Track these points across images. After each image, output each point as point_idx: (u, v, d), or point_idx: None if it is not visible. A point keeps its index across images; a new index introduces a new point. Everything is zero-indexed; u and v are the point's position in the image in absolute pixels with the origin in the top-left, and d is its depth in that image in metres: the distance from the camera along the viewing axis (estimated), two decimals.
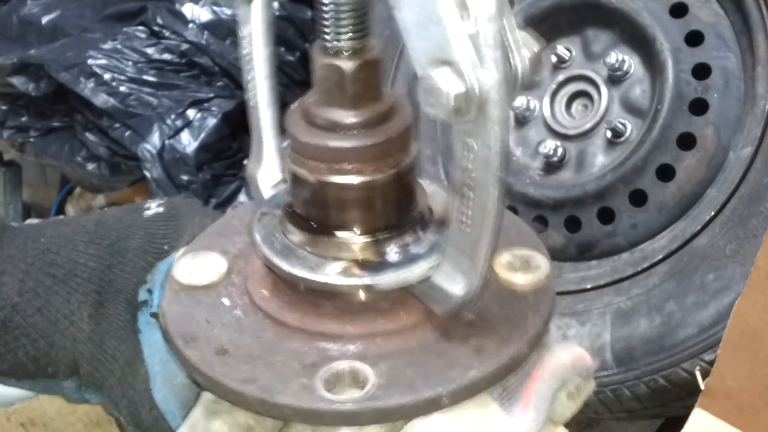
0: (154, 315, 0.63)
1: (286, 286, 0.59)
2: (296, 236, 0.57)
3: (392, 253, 0.56)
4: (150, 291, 0.64)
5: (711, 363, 1.10)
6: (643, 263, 1.36)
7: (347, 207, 0.56)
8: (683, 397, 1.27)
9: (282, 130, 0.64)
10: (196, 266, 0.62)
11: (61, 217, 2.23)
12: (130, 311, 0.64)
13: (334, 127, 0.54)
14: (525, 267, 0.61)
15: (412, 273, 0.55)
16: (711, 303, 1.25)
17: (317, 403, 0.52)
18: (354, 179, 0.54)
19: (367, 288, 0.55)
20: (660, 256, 1.34)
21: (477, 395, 0.55)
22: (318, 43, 0.54)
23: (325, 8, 0.52)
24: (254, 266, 0.62)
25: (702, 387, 1.04)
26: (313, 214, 0.57)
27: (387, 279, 0.55)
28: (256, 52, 0.61)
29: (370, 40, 0.54)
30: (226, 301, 0.60)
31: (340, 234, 0.56)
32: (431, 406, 0.53)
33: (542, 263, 0.61)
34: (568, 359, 0.59)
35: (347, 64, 0.53)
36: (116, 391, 0.64)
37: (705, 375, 1.07)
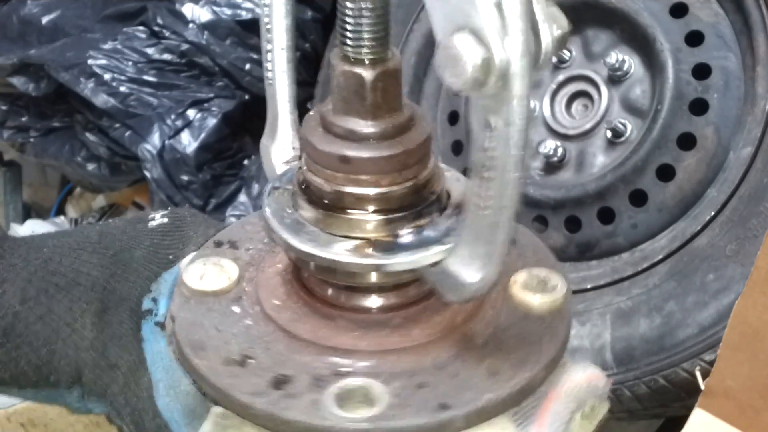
0: (160, 324, 0.62)
1: (299, 296, 0.58)
2: (308, 212, 0.55)
3: (406, 234, 0.54)
4: (155, 300, 0.63)
5: (711, 363, 1.10)
6: (643, 263, 1.36)
7: (363, 208, 0.54)
8: (683, 397, 1.27)
9: (298, 105, 0.62)
10: (207, 272, 0.61)
11: (65, 228, 2.23)
12: (133, 320, 0.63)
13: (351, 136, 0.53)
14: (542, 288, 0.59)
15: (426, 256, 0.53)
16: (711, 303, 1.25)
17: (327, 420, 0.51)
18: (370, 190, 0.53)
19: (378, 268, 0.54)
20: (660, 256, 1.34)
21: (492, 418, 0.53)
22: (338, 50, 0.53)
23: (347, 16, 0.51)
24: (266, 274, 0.61)
25: (702, 387, 1.04)
26: (327, 201, 0.55)
27: (399, 260, 0.53)
28: (275, 22, 0.60)
29: (391, 48, 0.53)
30: (236, 309, 0.59)
31: (353, 212, 0.54)
32: (443, 428, 0.52)
33: (559, 284, 0.59)
34: (583, 379, 0.57)
35: (368, 73, 0.52)
36: (119, 399, 0.63)
37: (705, 375, 1.07)
